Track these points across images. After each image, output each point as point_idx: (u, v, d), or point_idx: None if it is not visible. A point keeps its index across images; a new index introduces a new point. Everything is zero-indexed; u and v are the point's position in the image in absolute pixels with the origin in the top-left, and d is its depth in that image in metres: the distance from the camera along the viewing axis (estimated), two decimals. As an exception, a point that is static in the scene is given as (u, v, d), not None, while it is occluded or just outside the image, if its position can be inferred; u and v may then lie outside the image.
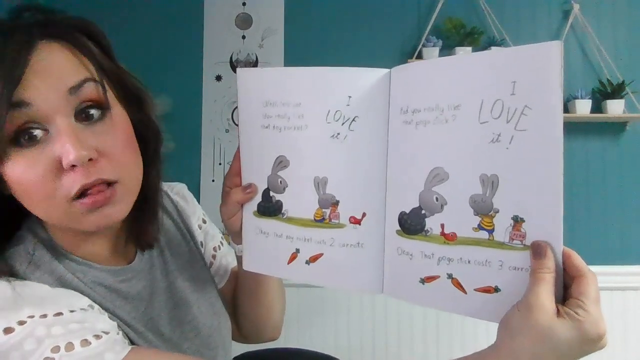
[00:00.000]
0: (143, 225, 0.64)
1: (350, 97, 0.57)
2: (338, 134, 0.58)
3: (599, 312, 0.44)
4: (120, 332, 0.55)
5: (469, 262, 0.50)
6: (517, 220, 0.47)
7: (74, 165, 0.48)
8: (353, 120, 0.57)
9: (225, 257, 0.83)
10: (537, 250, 0.46)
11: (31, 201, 0.51)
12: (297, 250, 0.62)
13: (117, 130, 0.53)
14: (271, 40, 2.06)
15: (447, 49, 1.97)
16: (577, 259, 0.47)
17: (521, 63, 0.46)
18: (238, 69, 0.63)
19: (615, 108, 1.93)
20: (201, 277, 0.74)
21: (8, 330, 0.47)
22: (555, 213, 0.46)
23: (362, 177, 0.57)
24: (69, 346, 0.48)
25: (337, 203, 0.59)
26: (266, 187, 0.63)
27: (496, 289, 0.49)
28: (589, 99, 1.94)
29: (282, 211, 0.63)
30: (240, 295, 0.80)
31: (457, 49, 1.94)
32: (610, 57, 1.96)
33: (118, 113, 0.55)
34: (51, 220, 0.53)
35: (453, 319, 1.97)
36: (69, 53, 0.51)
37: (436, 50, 1.94)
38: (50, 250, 0.55)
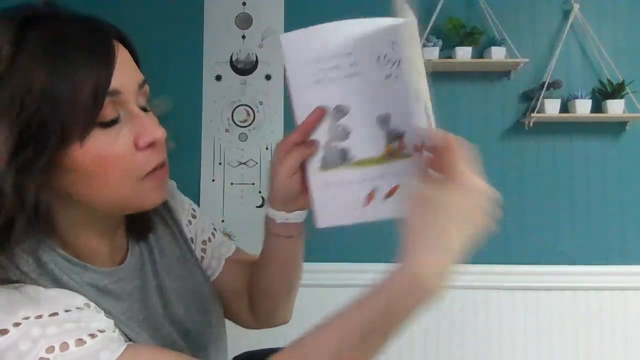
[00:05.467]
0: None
1: (393, 42, 0.61)
2: (389, 75, 0.62)
3: (461, 166, 0.51)
4: (117, 330, 0.55)
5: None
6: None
7: (151, 144, 0.55)
8: (398, 62, 0.61)
9: (218, 248, 0.82)
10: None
11: (106, 178, 0.53)
12: (375, 188, 0.64)
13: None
14: (271, 40, 2.06)
15: (447, 49, 1.97)
16: (439, 135, 0.53)
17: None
18: (281, 35, 0.65)
19: (615, 108, 1.93)
20: (191, 275, 0.74)
21: (3, 332, 0.47)
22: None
23: (417, 110, 0.60)
24: (64, 346, 0.48)
25: (402, 134, 0.63)
26: (327, 138, 0.64)
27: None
28: (589, 99, 1.94)
29: (348, 157, 0.64)
30: (267, 271, 0.78)
31: (457, 48, 1.94)
32: (610, 57, 1.96)
33: (151, 112, 0.61)
34: (116, 198, 0.56)
35: (453, 318, 1.97)
36: (129, 54, 0.57)
37: (436, 50, 1.94)
38: (47, 252, 0.55)
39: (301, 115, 0.65)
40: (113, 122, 0.53)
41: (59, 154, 0.50)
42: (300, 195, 0.67)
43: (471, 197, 0.50)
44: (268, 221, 0.72)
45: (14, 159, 0.48)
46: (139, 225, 0.68)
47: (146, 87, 0.58)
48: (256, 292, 0.82)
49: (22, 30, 0.50)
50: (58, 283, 0.54)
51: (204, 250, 0.80)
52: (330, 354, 0.50)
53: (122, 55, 0.55)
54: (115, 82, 0.52)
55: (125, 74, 0.54)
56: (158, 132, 0.56)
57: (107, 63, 0.52)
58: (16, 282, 0.50)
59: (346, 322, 0.51)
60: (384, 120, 0.63)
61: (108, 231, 0.63)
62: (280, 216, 0.69)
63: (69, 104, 0.49)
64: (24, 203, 0.50)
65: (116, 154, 0.53)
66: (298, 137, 0.64)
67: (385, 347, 0.51)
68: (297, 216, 0.69)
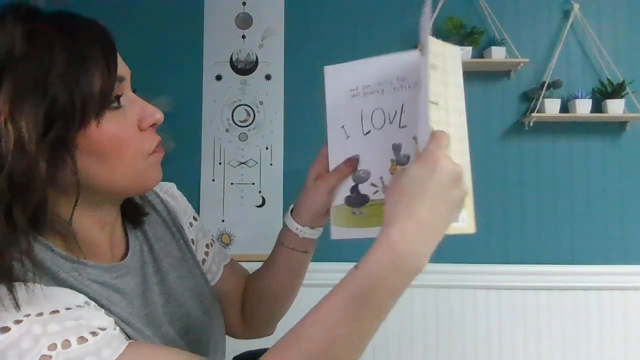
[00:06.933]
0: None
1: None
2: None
3: (430, 145, 0.53)
4: (117, 328, 0.55)
5: None
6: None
7: (153, 125, 0.61)
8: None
9: (218, 254, 0.84)
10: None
11: (121, 156, 0.57)
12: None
13: None
14: (271, 40, 2.06)
15: (447, 49, 1.97)
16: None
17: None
18: (325, 67, 0.70)
19: (615, 108, 1.93)
20: (191, 275, 0.75)
21: (4, 330, 0.47)
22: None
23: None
24: (66, 343, 0.48)
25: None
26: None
27: None
28: (589, 99, 1.94)
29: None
30: (274, 280, 0.81)
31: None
32: (610, 57, 1.96)
33: None
34: (129, 175, 0.59)
35: (453, 318, 1.97)
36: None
37: (436, 50, 1.93)
38: (44, 250, 0.55)
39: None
40: (119, 105, 0.57)
41: (79, 135, 0.54)
42: (326, 214, 0.73)
43: (438, 173, 0.51)
44: (288, 235, 0.77)
45: (43, 140, 0.51)
46: (132, 213, 0.70)
47: (132, 79, 0.63)
48: (257, 300, 0.84)
49: (30, 22, 0.53)
50: (57, 281, 0.54)
51: (206, 254, 0.82)
52: (323, 335, 0.51)
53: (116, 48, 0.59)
54: (119, 70, 0.57)
55: (122, 63, 0.59)
56: (157, 115, 0.61)
57: (113, 50, 0.57)
58: (16, 280, 0.50)
59: (334, 303, 0.52)
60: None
61: (108, 223, 0.63)
62: (304, 231, 0.75)
63: (86, 86, 0.53)
64: (57, 182, 0.53)
65: (126, 134, 0.58)
66: (325, 164, 0.72)
67: (379, 324, 0.52)
68: (317, 232, 0.77)
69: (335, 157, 0.71)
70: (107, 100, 0.55)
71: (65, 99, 0.51)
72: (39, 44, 0.52)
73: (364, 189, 0.69)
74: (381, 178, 0.68)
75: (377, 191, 0.69)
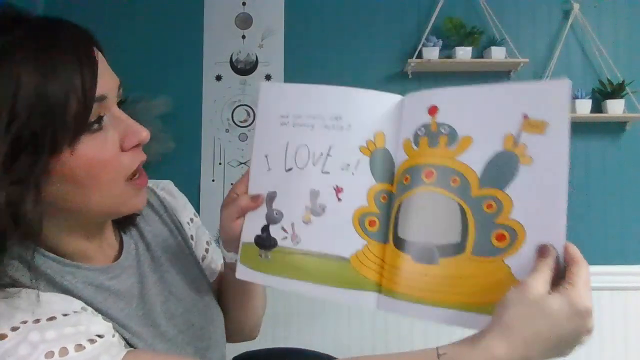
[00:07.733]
0: None
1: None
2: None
3: (585, 289, 0.49)
4: (116, 335, 0.54)
5: None
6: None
7: (137, 145, 0.56)
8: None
9: (216, 252, 0.84)
10: (543, 251, 0.50)
11: (97, 182, 0.53)
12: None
13: None
14: (271, 40, 2.06)
15: (447, 49, 1.97)
16: (573, 249, 0.51)
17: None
18: (261, 83, 0.64)
19: (615, 108, 1.93)
20: (191, 271, 0.74)
21: (1, 337, 0.46)
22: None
23: None
24: (63, 351, 0.47)
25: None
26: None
27: None
28: (589, 99, 1.94)
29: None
30: (225, 298, 0.81)
31: (457, 48, 1.94)
32: (610, 57, 1.96)
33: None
34: (106, 201, 0.56)
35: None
36: (103, 58, 0.56)
37: (436, 50, 1.93)
38: (38, 255, 0.54)
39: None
40: (99, 127, 0.53)
41: (51, 163, 0.49)
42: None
43: (576, 322, 0.48)
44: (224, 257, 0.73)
45: (6, 172, 0.47)
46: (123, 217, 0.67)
47: (120, 89, 0.58)
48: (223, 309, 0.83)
49: (1, 36, 0.48)
50: (53, 285, 0.53)
51: (207, 250, 0.81)
52: None
53: (101, 60, 0.54)
54: (100, 88, 0.52)
55: (106, 78, 0.54)
56: (143, 134, 0.56)
57: (93, 69, 0.51)
58: (11, 286, 0.49)
59: None
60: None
61: (94, 233, 0.62)
62: (230, 256, 0.68)
63: (60, 111, 0.48)
64: (18, 218, 0.48)
65: (105, 157, 0.53)
66: (244, 188, 0.64)
67: None
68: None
69: (254, 187, 0.63)
70: (82, 126, 0.50)
71: (35, 128, 0.47)
72: (8, 65, 0.47)
73: (274, 231, 0.62)
74: (292, 224, 0.61)
75: (285, 237, 0.61)
